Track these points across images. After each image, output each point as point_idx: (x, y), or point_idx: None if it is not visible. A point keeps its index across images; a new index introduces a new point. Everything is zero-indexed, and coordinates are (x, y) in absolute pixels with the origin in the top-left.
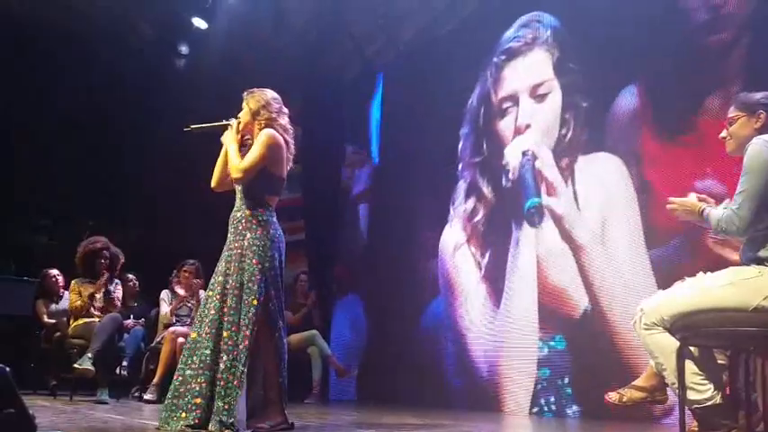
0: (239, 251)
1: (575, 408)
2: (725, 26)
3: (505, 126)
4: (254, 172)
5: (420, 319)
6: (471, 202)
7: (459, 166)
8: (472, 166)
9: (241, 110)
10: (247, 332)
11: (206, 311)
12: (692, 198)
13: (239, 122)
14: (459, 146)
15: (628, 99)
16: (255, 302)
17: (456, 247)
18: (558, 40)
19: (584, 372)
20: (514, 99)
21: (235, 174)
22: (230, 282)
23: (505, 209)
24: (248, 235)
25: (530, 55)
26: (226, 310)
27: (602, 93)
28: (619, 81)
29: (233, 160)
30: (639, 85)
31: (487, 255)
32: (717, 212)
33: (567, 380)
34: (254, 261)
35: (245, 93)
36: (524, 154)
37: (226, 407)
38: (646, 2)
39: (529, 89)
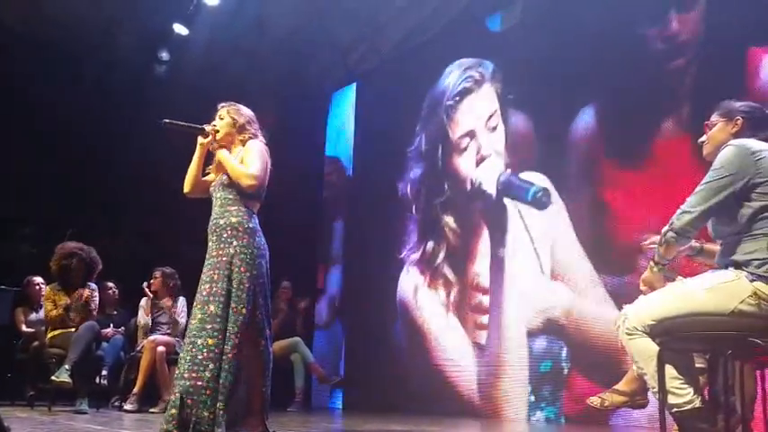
0: (225, 258)
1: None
2: (676, 54)
3: (466, 160)
4: (264, 177)
5: (399, 328)
6: (430, 245)
7: (413, 209)
8: (430, 208)
9: (214, 119)
10: (236, 340)
11: (190, 321)
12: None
13: (215, 131)
14: (409, 190)
15: (585, 123)
16: (244, 311)
17: (416, 290)
18: (506, 73)
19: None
20: (471, 134)
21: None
22: (215, 289)
23: (474, 241)
24: (235, 242)
25: (480, 91)
26: (209, 317)
27: (558, 118)
28: (574, 105)
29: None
30: (596, 109)
31: (453, 291)
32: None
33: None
34: (242, 269)
35: (226, 104)
36: (505, 167)
37: (211, 416)
38: (601, 29)
39: (484, 122)
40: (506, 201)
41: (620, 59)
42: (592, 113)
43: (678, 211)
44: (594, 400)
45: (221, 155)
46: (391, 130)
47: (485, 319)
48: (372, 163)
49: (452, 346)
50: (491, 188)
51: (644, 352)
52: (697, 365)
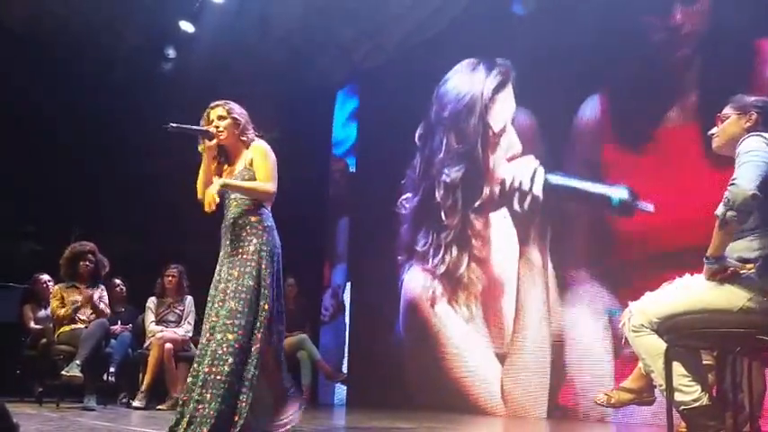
0: (246, 256)
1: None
2: (682, 44)
3: (500, 158)
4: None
5: (405, 324)
6: (455, 252)
7: (442, 214)
8: (464, 212)
9: (204, 117)
10: (259, 335)
11: (209, 318)
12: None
13: (219, 132)
14: (438, 193)
15: (590, 111)
16: (267, 307)
17: (435, 302)
18: (518, 69)
19: (564, 374)
20: (504, 130)
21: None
22: (239, 287)
23: (504, 244)
24: (255, 240)
25: (507, 87)
26: (231, 313)
27: (564, 107)
28: (581, 94)
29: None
30: (601, 98)
31: (474, 299)
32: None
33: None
34: (262, 266)
35: (222, 102)
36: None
37: (229, 410)
38: (610, 19)
39: (511, 119)
40: (550, 199)
41: (626, 50)
42: (597, 103)
43: (731, 187)
44: (601, 398)
45: (232, 184)
46: (395, 128)
47: (505, 316)
48: (376, 161)
49: (465, 345)
50: (536, 190)
51: (651, 349)
52: (705, 362)
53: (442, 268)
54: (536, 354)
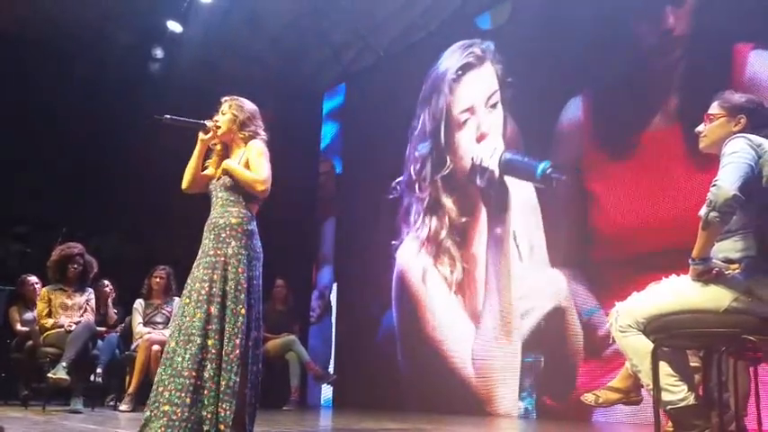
0: (222, 259)
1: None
2: (666, 48)
3: (466, 136)
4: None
5: (392, 325)
6: (434, 221)
7: (416, 187)
8: (433, 184)
9: (216, 112)
10: (237, 341)
11: (183, 319)
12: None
13: (217, 126)
14: (413, 168)
15: (572, 112)
16: (243, 311)
17: (424, 271)
18: (503, 55)
19: (551, 373)
20: (471, 110)
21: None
22: (214, 289)
23: (474, 220)
24: (233, 243)
25: (481, 68)
26: (209, 317)
27: (546, 106)
28: (563, 95)
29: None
30: (584, 100)
31: (456, 270)
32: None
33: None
34: (239, 270)
35: (229, 98)
36: (505, 147)
37: (208, 416)
38: (592, 24)
39: (484, 100)
40: (508, 180)
41: (607, 53)
42: (579, 105)
43: (713, 188)
44: (589, 397)
45: (229, 165)
46: (382, 128)
47: (479, 305)
48: (363, 161)
49: (450, 334)
50: (492, 166)
51: (638, 349)
52: (692, 364)
53: (417, 237)
54: (508, 345)
